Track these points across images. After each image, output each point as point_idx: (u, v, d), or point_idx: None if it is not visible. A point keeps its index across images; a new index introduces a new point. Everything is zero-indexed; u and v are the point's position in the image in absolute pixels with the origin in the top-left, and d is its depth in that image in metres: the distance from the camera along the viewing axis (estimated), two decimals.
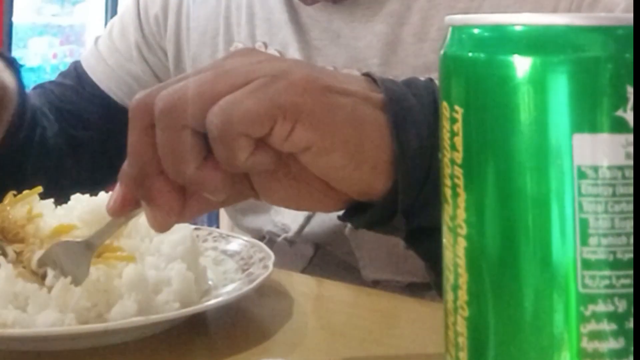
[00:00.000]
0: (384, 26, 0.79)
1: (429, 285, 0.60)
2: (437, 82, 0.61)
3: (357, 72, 0.80)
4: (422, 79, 0.54)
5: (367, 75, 0.52)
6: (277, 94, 0.45)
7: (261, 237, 0.85)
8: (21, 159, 0.84)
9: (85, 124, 0.94)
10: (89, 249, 0.55)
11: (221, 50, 0.90)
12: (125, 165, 0.48)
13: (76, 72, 0.98)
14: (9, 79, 0.76)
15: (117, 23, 1.00)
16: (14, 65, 0.80)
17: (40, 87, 0.98)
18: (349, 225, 0.79)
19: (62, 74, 1.00)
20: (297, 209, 0.55)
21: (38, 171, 0.86)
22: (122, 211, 0.51)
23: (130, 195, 0.50)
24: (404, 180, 0.50)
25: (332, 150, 0.47)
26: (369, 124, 0.49)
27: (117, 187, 0.50)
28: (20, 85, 0.80)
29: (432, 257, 0.55)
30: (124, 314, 0.54)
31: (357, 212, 0.53)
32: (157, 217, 0.49)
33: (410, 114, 0.49)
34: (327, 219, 0.80)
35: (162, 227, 0.50)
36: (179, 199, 0.48)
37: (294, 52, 0.83)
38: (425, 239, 0.54)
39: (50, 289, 0.55)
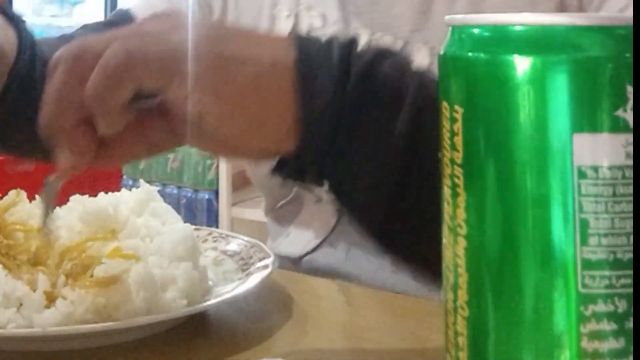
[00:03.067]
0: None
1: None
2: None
3: (390, 38, 0.81)
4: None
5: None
6: (178, 55, 0.48)
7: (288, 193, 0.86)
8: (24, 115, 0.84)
9: None
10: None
11: (266, 10, 0.91)
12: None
13: (122, 20, 0.97)
14: (8, 35, 0.76)
15: None
16: (15, 21, 0.79)
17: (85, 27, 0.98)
18: None
19: (107, 20, 0.98)
20: (228, 157, 0.57)
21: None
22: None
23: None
24: (309, 140, 0.51)
25: (230, 117, 0.50)
26: (272, 91, 0.51)
27: None
28: (23, 40, 0.79)
29: (355, 210, 0.56)
30: (133, 313, 0.54)
31: (282, 165, 0.55)
32: (66, 161, 0.51)
33: (318, 73, 0.51)
34: None
35: (71, 169, 0.51)
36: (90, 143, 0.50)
37: (333, 16, 0.86)
38: (346, 191, 0.55)
39: (50, 294, 0.55)
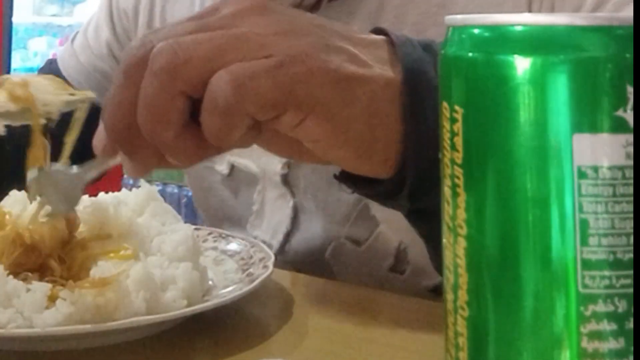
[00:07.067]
0: (360, 28, 0.78)
1: None
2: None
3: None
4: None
5: (389, 36, 0.49)
6: (294, 81, 0.43)
7: None
8: None
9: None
10: (79, 180, 0.51)
11: None
12: (106, 114, 0.45)
13: (49, 68, 0.99)
14: None
15: (93, 20, 1.01)
16: None
17: None
18: (329, 249, 0.78)
19: (38, 70, 1.02)
20: (298, 161, 0.53)
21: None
22: (106, 152, 0.47)
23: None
24: (413, 171, 0.48)
25: (341, 145, 0.46)
26: (382, 117, 0.47)
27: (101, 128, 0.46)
28: None
29: (431, 238, 0.53)
30: (133, 313, 0.54)
31: (359, 180, 0.51)
32: (133, 168, 0.46)
33: (425, 98, 0.47)
34: (308, 237, 0.80)
35: (136, 175, 0.48)
36: (156, 154, 0.45)
37: None
38: (425, 220, 0.53)
39: (50, 295, 0.55)
